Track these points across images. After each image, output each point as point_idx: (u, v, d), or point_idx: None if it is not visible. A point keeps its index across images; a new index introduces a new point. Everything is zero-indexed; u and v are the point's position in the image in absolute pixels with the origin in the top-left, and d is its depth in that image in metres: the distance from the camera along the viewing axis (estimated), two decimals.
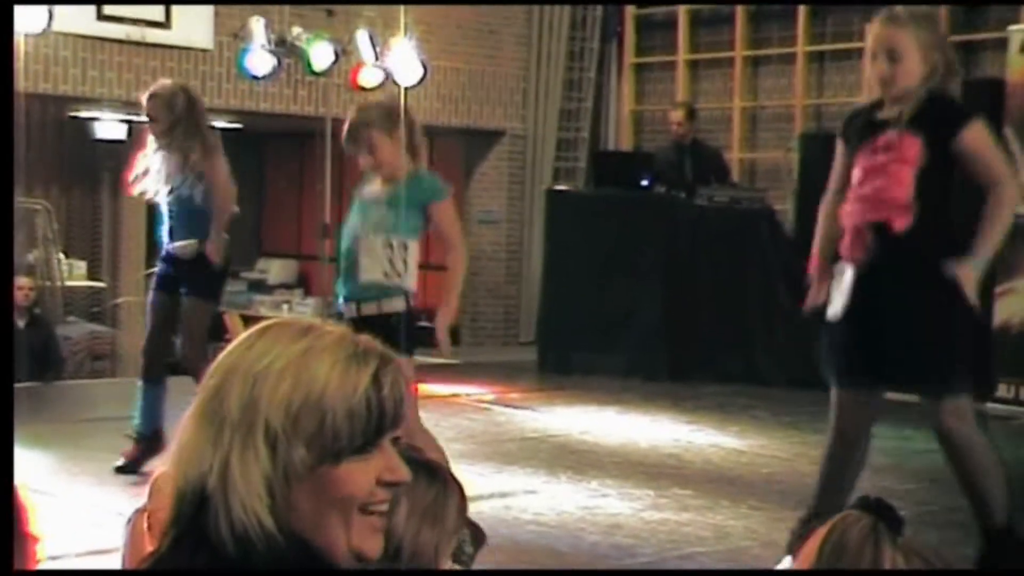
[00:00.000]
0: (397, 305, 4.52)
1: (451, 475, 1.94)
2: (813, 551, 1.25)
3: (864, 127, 3.99)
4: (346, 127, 4.66)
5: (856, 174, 3.96)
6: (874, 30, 3.96)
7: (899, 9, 3.98)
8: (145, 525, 1.76)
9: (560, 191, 9.98)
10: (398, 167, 4.57)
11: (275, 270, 13.20)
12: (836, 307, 3.97)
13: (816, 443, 6.82)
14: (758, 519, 5.19)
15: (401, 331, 4.42)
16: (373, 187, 4.69)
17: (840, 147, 4.12)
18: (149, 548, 1.62)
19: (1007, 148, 8.01)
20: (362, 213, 4.62)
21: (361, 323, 4.32)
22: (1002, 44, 8.42)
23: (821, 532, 1.26)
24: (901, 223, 3.82)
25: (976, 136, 3.84)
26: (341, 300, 4.62)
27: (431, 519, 1.88)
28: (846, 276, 3.94)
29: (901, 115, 3.87)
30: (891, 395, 8.57)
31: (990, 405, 7.57)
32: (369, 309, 4.51)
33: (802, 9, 9.82)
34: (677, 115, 9.33)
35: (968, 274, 3.80)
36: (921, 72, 3.83)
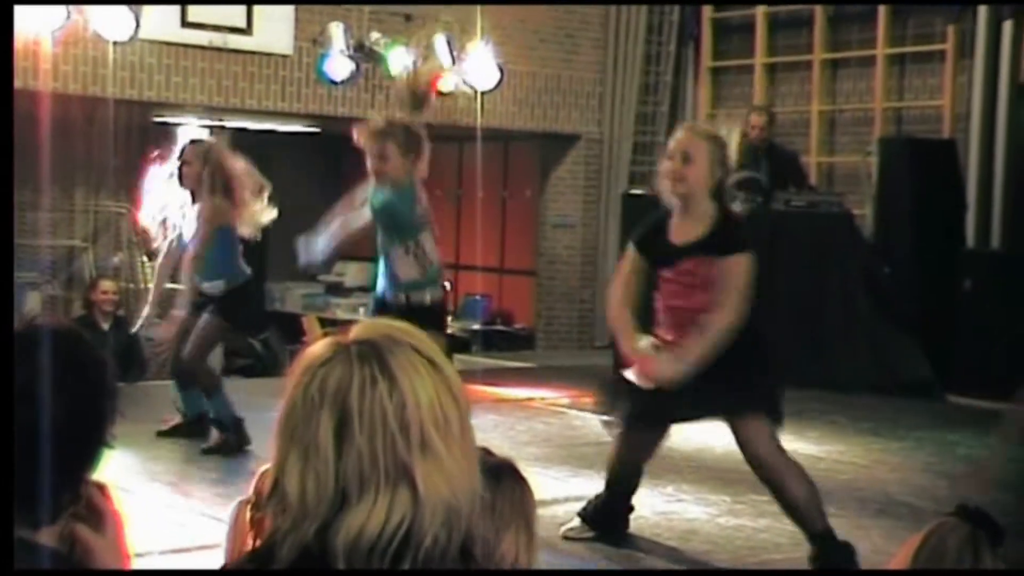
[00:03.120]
0: (438, 293, 5.42)
1: (517, 471, 1.94)
2: (909, 555, 1.24)
3: (661, 248, 4.44)
4: (367, 131, 5.32)
5: (664, 289, 4.45)
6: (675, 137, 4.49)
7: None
8: (248, 517, 1.78)
9: (636, 195, 9.93)
10: (400, 180, 5.29)
11: (352, 273, 13.30)
12: (643, 382, 4.42)
13: (897, 450, 6.75)
14: (836, 525, 5.11)
15: (442, 313, 5.44)
16: (377, 199, 5.38)
17: (632, 254, 4.60)
18: (250, 541, 1.66)
19: None
20: (380, 227, 5.40)
21: (409, 310, 5.13)
22: None
23: (917, 538, 1.25)
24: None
25: (735, 265, 4.32)
26: (387, 293, 5.37)
27: (514, 519, 1.88)
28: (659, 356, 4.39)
29: (698, 242, 4.35)
30: (969, 402, 8.44)
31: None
32: (417, 298, 5.31)
33: (882, 11, 9.69)
34: (759, 119, 9.24)
35: (669, 367, 4.25)
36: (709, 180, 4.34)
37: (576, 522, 4.77)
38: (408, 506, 1.29)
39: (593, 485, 5.70)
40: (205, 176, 6.09)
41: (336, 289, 12.99)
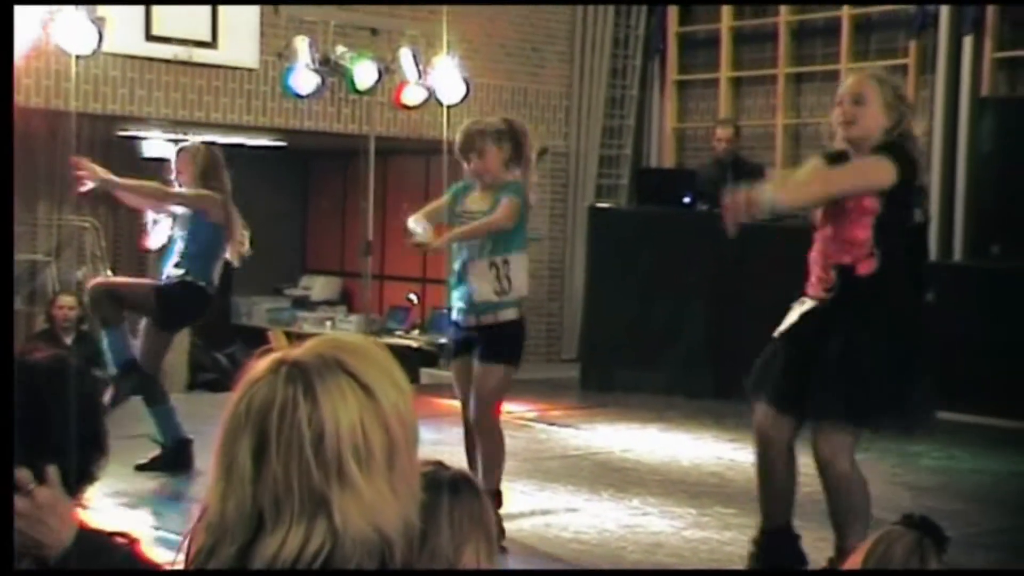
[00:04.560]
0: (511, 314, 4.93)
1: (474, 483, 1.94)
2: (859, 562, 1.25)
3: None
4: (461, 134, 4.99)
5: (820, 218, 4.28)
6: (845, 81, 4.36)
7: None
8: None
9: (603, 208, 9.98)
10: (499, 177, 4.90)
11: (318, 287, 13.26)
12: (781, 328, 4.31)
13: (860, 461, 6.76)
14: (801, 538, 5.14)
15: (512, 338, 4.92)
16: (472, 204, 4.98)
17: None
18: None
19: None
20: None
21: (478, 332, 4.87)
22: None
23: (865, 546, 1.26)
24: (865, 267, 4.13)
25: (872, 159, 4.11)
26: (457, 312, 4.97)
27: (473, 532, 1.88)
28: (803, 305, 4.30)
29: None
30: (940, 415, 8.48)
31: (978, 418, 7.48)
32: (487, 319, 4.89)
33: (845, 26, 9.77)
34: (725, 132, 9.29)
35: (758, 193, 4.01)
36: (882, 122, 4.16)
37: None
38: (325, 536, 1.24)
39: (559, 498, 5.70)
40: (199, 174, 6.12)
41: (302, 303, 12.94)
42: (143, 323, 6.14)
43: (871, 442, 7.24)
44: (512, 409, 8.21)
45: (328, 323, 12.23)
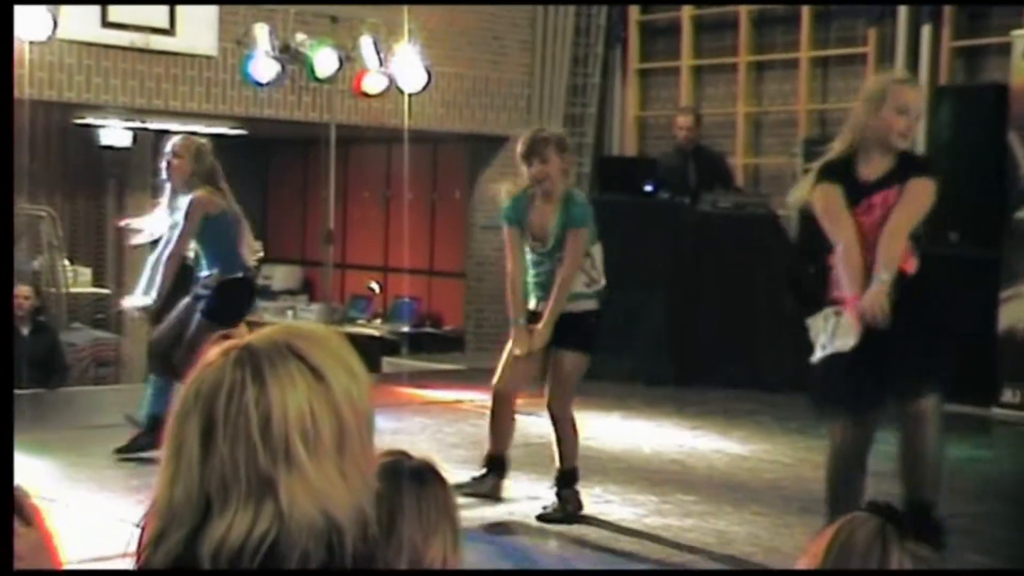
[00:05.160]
0: (590, 304, 5.25)
1: (439, 472, 1.93)
2: (821, 550, 1.25)
3: (852, 188, 4.43)
4: (526, 141, 5.34)
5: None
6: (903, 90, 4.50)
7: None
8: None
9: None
10: (557, 185, 5.24)
11: (279, 276, 13.20)
12: (845, 342, 4.34)
13: (821, 448, 6.80)
14: (761, 525, 5.18)
15: (591, 328, 5.24)
16: (536, 221, 5.28)
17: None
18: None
19: (1011, 153, 8.00)
20: (548, 256, 5.22)
21: (561, 321, 5.15)
22: (1006, 49, 8.42)
23: (829, 532, 1.26)
24: (910, 266, 4.41)
25: (919, 184, 4.37)
26: (537, 303, 5.27)
27: (441, 521, 1.87)
28: (845, 316, 4.35)
29: (891, 173, 4.40)
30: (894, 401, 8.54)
31: (995, 410, 7.56)
32: (571, 308, 5.18)
33: (806, 14, 9.81)
34: (686, 120, 9.31)
35: (875, 291, 4.24)
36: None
37: None
38: (271, 520, 1.24)
39: (520, 487, 5.70)
40: (196, 171, 6.00)
41: (263, 292, 12.86)
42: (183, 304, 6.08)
43: (826, 428, 7.30)
44: (474, 398, 8.20)
45: (289, 312, 12.18)
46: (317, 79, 8.98)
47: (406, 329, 11.68)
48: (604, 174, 10.10)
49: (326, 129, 9.63)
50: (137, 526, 1.33)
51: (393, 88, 9.35)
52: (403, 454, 1.91)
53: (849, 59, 9.73)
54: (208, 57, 9.12)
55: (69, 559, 4.08)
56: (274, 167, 13.91)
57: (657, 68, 10.92)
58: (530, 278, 5.31)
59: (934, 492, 4.42)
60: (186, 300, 6.15)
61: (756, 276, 8.77)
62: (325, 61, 8.84)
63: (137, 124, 10.35)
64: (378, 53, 9.17)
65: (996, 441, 7.13)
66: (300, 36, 8.93)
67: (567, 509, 5.18)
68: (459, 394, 8.32)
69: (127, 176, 11.24)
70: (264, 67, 8.70)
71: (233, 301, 6.08)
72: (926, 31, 9.11)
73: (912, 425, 4.41)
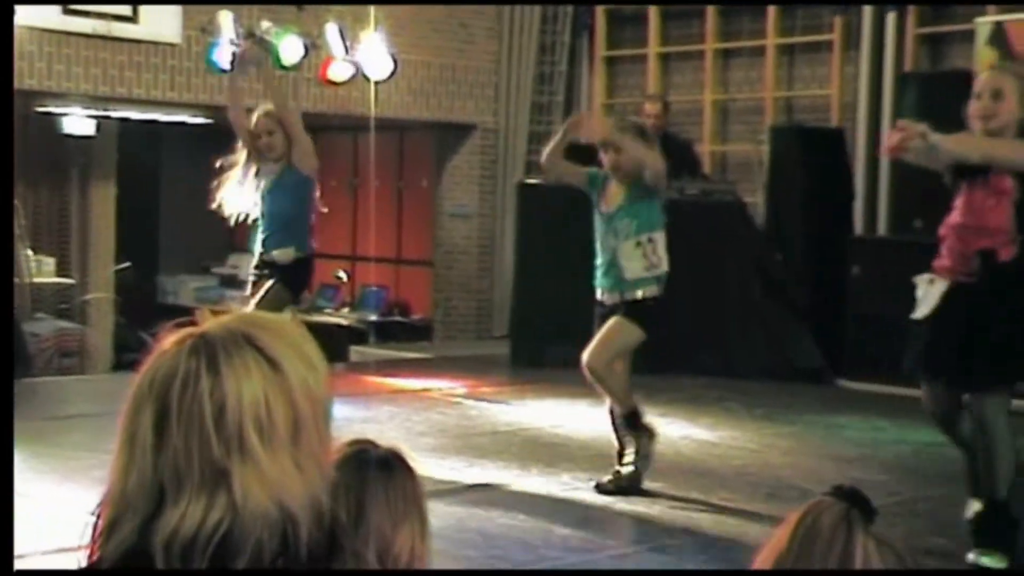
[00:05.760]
0: (653, 290, 5.38)
1: (406, 461, 1.92)
2: (787, 534, 1.25)
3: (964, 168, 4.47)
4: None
5: (959, 205, 4.47)
6: (978, 79, 4.56)
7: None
8: None
9: (532, 185, 9.96)
10: (633, 172, 5.33)
11: (247, 265, 13.11)
12: (922, 311, 4.50)
13: (788, 434, 6.86)
14: (729, 511, 5.20)
15: (652, 311, 5.34)
16: (609, 201, 5.42)
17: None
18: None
19: None
20: (609, 225, 5.38)
21: (623, 306, 5.30)
22: (969, 36, 8.47)
23: (795, 516, 1.26)
24: (1006, 253, 4.39)
25: None
26: (601, 292, 5.40)
27: (408, 510, 1.86)
28: (936, 284, 4.47)
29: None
30: (859, 387, 8.61)
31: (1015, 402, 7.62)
32: (630, 295, 5.32)
33: (772, 2, 9.84)
34: (653, 107, 9.31)
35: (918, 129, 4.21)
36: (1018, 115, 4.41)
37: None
38: (225, 511, 1.24)
39: (489, 474, 5.70)
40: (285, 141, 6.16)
41: (230, 281, 12.80)
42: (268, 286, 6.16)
43: (799, 415, 7.36)
44: (442, 386, 8.20)
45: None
46: (283, 67, 8.91)
47: (374, 318, 11.66)
48: (571, 161, 10.08)
49: None
50: (93, 515, 1.32)
51: (359, 76, 9.31)
52: (370, 443, 1.90)
53: (815, 47, 9.77)
54: (172, 45, 9.04)
55: (31, 551, 4.04)
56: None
57: (624, 56, 10.92)
58: (597, 264, 5.43)
59: (1002, 488, 4.43)
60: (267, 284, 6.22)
61: (724, 263, 8.79)
62: (291, 49, 8.77)
63: (100, 112, 10.25)
64: (344, 41, 9.12)
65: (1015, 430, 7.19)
66: (265, 23, 8.85)
67: (640, 452, 5.37)
68: (427, 382, 8.31)
69: (91, 165, 11.14)
70: (229, 55, 8.62)
71: (305, 278, 6.36)
72: (891, 19, 9.16)
73: (974, 422, 4.48)
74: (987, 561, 4.38)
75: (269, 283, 6.11)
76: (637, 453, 5.37)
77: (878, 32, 9.23)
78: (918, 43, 9.16)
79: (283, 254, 6.13)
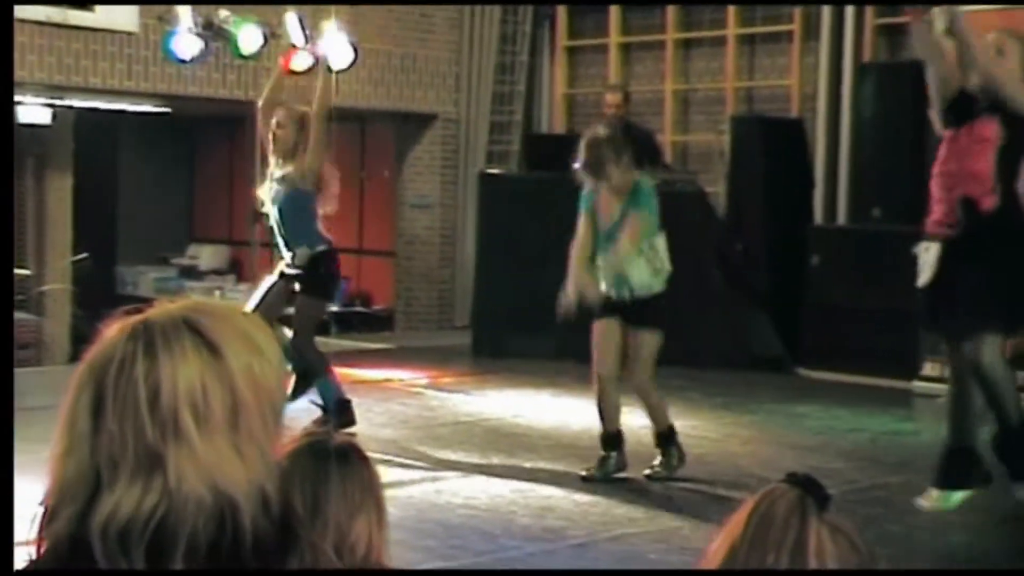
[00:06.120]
0: (658, 287, 5.58)
1: (362, 451, 1.91)
2: (741, 521, 1.25)
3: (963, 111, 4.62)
4: (582, 155, 5.77)
5: (943, 151, 4.63)
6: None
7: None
8: None
9: (493, 174, 9.95)
10: (624, 185, 5.58)
11: (206, 256, 13.05)
12: (923, 279, 4.66)
13: (747, 423, 6.89)
14: (689, 499, 5.22)
15: (661, 309, 5.60)
16: (606, 213, 5.60)
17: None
18: None
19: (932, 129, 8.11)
20: (609, 240, 5.54)
21: (632, 305, 5.48)
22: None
23: (750, 503, 1.26)
24: (988, 202, 4.51)
25: None
26: (608, 288, 5.54)
27: (365, 500, 1.85)
28: (931, 251, 4.63)
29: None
30: (818, 375, 8.65)
31: (916, 383, 7.68)
32: (640, 294, 5.51)
33: None
34: (614, 97, 9.31)
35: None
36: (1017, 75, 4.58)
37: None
38: (160, 495, 1.23)
39: (449, 465, 5.70)
40: (299, 141, 6.27)
41: (190, 272, 12.73)
42: (298, 300, 6.17)
43: (759, 404, 7.40)
44: (403, 376, 8.18)
45: (217, 292, 12.04)
46: (242, 56, 8.84)
47: (336, 308, 11.60)
48: (532, 152, 10.09)
49: (251, 107, 9.48)
50: (41, 505, 1.30)
51: (319, 65, 9.24)
52: (326, 433, 1.89)
53: (775, 37, 9.80)
54: (129, 33, 8.95)
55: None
56: (200, 145, 13.71)
57: (585, 46, 10.92)
58: (599, 265, 5.56)
59: (1014, 416, 4.57)
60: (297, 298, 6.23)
61: (684, 253, 8.79)
62: (249, 38, 8.70)
63: (56, 101, 10.14)
64: (304, 30, 9.05)
65: (916, 414, 7.26)
66: (223, 12, 8.77)
67: (672, 464, 5.50)
68: (388, 373, 8.29)
69: (47, 154, 11.01)
70: (187, 44, 8.53)
71: (331, 276, 6.34)
72: (850, 10, 9.21)
73: (968, 366, 4.61)
74: None
75: (298, 300, 6.20)
76: (664, 467, 5.50)
77: (837, 23, 9.28)
78: (877, 34, 9.21)
79: (300, 256, 6.19)
